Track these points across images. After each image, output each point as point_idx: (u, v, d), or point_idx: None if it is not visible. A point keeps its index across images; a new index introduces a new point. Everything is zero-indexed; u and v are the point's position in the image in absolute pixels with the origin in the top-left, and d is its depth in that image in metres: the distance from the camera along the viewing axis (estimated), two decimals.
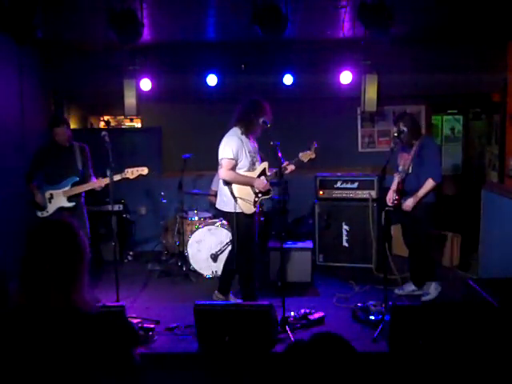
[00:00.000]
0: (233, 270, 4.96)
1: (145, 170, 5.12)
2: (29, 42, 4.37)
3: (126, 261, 6.86)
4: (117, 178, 4.89)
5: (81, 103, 7.68)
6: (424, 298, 5.17)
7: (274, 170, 4.81)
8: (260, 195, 4.77)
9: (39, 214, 5.11)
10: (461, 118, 8.55)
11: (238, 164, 4.71)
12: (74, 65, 6.42)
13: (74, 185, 5.10)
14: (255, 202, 4.75)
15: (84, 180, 5.14)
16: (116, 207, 6.27)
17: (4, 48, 5.19)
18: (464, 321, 3.75)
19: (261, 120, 4.69)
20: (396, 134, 4.92)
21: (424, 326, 3.81)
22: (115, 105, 7.03)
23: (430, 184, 4.91)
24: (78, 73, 6.42)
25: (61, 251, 1.81)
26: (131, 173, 5.07)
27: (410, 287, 5.32)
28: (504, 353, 3.41)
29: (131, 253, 7.05)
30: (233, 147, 4.65)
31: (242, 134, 4.75)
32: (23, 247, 1.83)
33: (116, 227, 5.52)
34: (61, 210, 5.08)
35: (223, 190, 4.79)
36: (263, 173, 4.82)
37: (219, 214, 5.38)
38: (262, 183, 4.71)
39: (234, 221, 4.68)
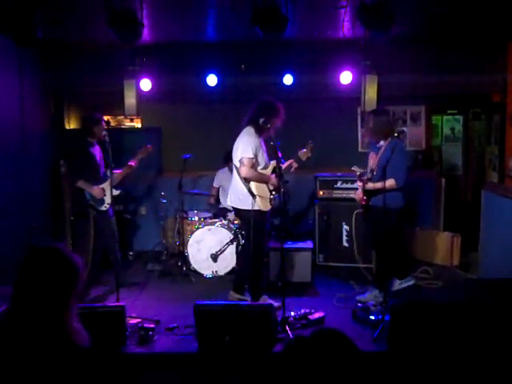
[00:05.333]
0: (247, 268, 5.03)
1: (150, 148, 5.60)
2: (29, 42, 4.36)
3: (126, 259, 6.85)
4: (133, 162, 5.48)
5: (81, 103, 7.67)
6: (359, 297, 5.08)
7: (287, 163, 4.93)
8: (274, 192, 4.90)
9: (103, 207, 5.38)
10: (461, 118, 8.55)
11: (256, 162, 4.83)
12: (74, 65, 6.41)
13: (113, 174, 5.33)
14: (270, 199, 4.87)
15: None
16: (116, 207, 6.26)
17: (4, 48, 5.18)
18: (464, 321, 3.75)
19: (260, 120, 4.70)
20: (396, 135, 4.90)
21: (424, 326, 3.81)
22: (115, 105, 7.02)
23: (390, 182, 4.71)
24: (78, 73, 6.41)
25: (52, 279, 1.79)
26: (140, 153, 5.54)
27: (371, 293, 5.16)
28: (504, 353, 3.41)
29: (131, 253, 7.05)
30: (252, 146, 4.75)
31: (256, 133, 4.81)
32: (16, 272, 1.81)
33: (116, 227, 5.53)
34: (112, 200, 5.34)
35: (239, 189, 4.86)
36: (274, 171, 4.89)
37: (225, 211, 5.44)
38: (275, 180, 4.81)
39: (252, 218, 4.72)
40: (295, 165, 5.00)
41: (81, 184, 5.30)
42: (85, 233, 5.41)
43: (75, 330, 1.79)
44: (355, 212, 5.43)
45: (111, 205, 5.38)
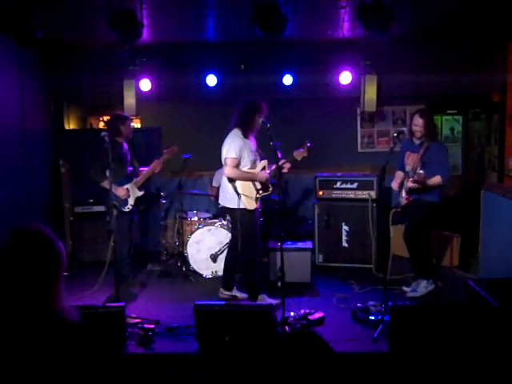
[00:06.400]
0: (233, 266, 5.18)
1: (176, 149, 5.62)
2: (29, 42, 4.36)
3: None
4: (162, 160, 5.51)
5: (81, 103, 7.68)
6: (410, 295, 5.20)
7: (274, 167, 4.95)
8: (261, 192, 4.98)
9: (126, 208, 5.36)
10: (460, 118, 8.55)
11: (241, 162, 4.92)
12: (74, 65, 6.42)
13: (137, 175, 5.43)
14: (257, 198, 4.97)
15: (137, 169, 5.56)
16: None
17: (4, 48, 5.18)
18: (464, 321, 3.75)
19: (260, 120, 4.72)
20: (395, 135, 4.90)
21: (424, 326, 3.81)
22: (115, 105, 7.01)
23: (437, 179, 4.97)
24: (78, 73, 6.42)
25: (36, 260, 1.78)
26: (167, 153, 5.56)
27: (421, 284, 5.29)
28: (504, 353, 3.41)
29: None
30: (236, 147, 4.87)
31: (243, 134, 4.91)
32: None
33: (116, 227, 5.52)
34: (136, 200, 5.41)
35: (226, 187, 5.00)
36: (263, 170, 5.02)
37: (222, 210, 5.50)
38: (264, 175, 4.95)
39: (238, 217, 4.91)
40: (288, 165, 5.00)
41: (104, 184, 5.21)
42: (120, 229, 5.24)
43: (64, 309, 1.80)
44: (392, 211, 5.43)
45: (134, 205, 5.39)
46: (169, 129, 7.32)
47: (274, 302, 4.66)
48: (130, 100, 6.33)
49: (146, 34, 4.87)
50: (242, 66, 6.46)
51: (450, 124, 8.57)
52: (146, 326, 4.32)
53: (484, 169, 7.77)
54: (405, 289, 5.34)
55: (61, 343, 1.71)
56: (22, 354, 1.68)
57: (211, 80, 6.51)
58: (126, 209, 5.38)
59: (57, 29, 5.13)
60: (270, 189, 5.05)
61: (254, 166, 5.01)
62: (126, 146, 5.48)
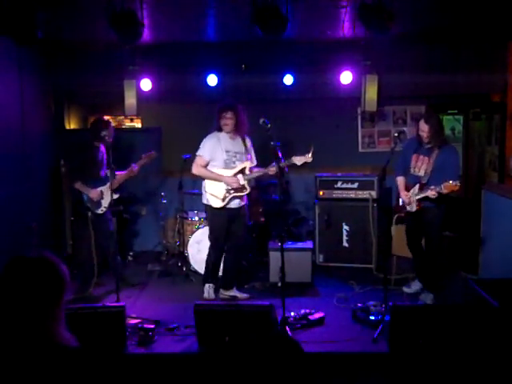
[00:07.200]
0: (232, 265, 5.35)
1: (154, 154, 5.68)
2: (29, 42, 4.36)
3: (126, 261, 6.85)
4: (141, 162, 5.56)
5: (81, 103, 7.67)
6: (406, 290, 5.28)
7: (257, 170, 5.14)
8: (232, 191, 5.10)
9: (99, 210, 5.38)
10: (461, 118, 8.54)
11: (211, 161, 5.13)
12: (74, 65, 6.41)
13: (114, 177, 5.41)
14: (225, 197, 5.09)
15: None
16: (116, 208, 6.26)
17: (4, 48, 5.18)
18: (464, 321, 3.75)
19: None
20: (396, 134, 4.88)
21: (424, 326, 3.81)
22: (115, 105, 7.02)
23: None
24: (78, 73, 6.41)
25: (39, 287, 1.76)
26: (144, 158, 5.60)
27: (417, 286, 5.30)
28: (504, 353, 3.41)
29: (131, 253, 7.05)
30: (206, 146, 5.14)
31: (218, 135, 5.14)
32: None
33: (116, 227, 5.53)
34: (110, 204, 5.40)
35: (202, 184, 5.30)
36: (242, 171, 5.11)
37: None
38: (231, 180, 5.07)
39: (207, 212, 5.31)
40: (273, 170, 4.89)
41: (78, 186, 5.29)
42: (83, 235, 5.41)
43: (65, 338, 1.78)
44: (395, 216, 5.16)
45: (109, 208, 5.39)
46: (169, 129, 7.32)
47: (243, 295, 5.14)
48: (130, 100, 6.33)
49: (146, 34, 4.87)
50: (243, 66, 6.45)
51: (450, 124, 8.56)
52: (146, 325, 4.32)
53: (484, 169, 7.76)
54: (405, 289, 5.35)
55: (59, 369, 1.69)
56: (19, 379, 1.65)
57: (211, 80, 6.50)
58: (100, 211, 5.39)
59: (57, 29, 5.12)
60: (246, 190, 5.11)
61: (226, 166, 5.11)
62: (103, 148, 5.49)
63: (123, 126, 8.21)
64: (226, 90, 6.54)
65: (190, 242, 6.07)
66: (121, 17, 4.37)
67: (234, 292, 5.29)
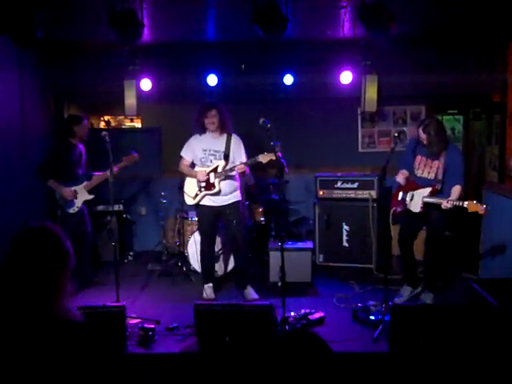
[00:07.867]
0: (242, 264, 5.46)
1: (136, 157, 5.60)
2: (29, 42, 4.36)
3: (126, 261, 6.85)
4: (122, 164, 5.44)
5: (81, 103, 7.67)
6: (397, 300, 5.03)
7: (229, 168, 5.13)
8: (202, 189, 5.21)
9: (71, 210, 5.39)
10: (461, 118, 8.55)
11: (194, 160, 5.29)
12: (74, 64, 6.41)
13: (90, 178, 5.46)
14: (196, 195, 5.25)
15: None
16: (116, 207, 6.27)
17: (4, 48, 5.18)
18: (464, 321, 3.75)
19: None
20: (396, 134, 4.84)
21: (424, 326, 3.81)
22: (115, 105, 7.02)
23: (458, 190, 4.68)
24: (78, 73, 6.41)
25: (44, 259, 1.77)
26: (125, 161, 5.49)
27: (407, 291, 5.17)
28: (504, 353, 3.41)
29: (131, 253, 7.05)
30: (186, 146, 5.31)
31: (199, 136, 5.24)
32: (6, 252, 1.79)
33: (116, 227, 5.53)
34: (84, 203, 5.46)
35: None
36: (215, 170, 5.18)
37: None
38: (200, 174, 5.18)
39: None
40: (241, 167, 5.02)
41: (51, 183, 5.30)
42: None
43: (69, 309, 1.79)
44: (392, 210, 4.97)
45: (83, 208, 5.41)
46: (169, 129, 7.32)
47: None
48: (130, 100, 6.34)
49: (146, 34, 4.87)
50: (243, 65, 6.45)
51: (450, 124, 8.58)
52: (146, 325, 4.31)
53: (484, 169, 7.77)
54: (396, 300, 5.18)
55: (64, 343, 1.71)
56: (25, 353, 1.68)
57: (211, 80, 6.50)
58: (71, 210, 5.40)
59: (57, 29, 5.13)
60: (215, 189, 5.14)
61: (202, 164, 5.22)
62: (81, 147, 5.49)
63: (123, 126, 8.22)
64: (226, 90, 6.55)
65: (189, 242, 6.07)
66: (121, 17, 4.37)
67: (246, 291, 5.29)
